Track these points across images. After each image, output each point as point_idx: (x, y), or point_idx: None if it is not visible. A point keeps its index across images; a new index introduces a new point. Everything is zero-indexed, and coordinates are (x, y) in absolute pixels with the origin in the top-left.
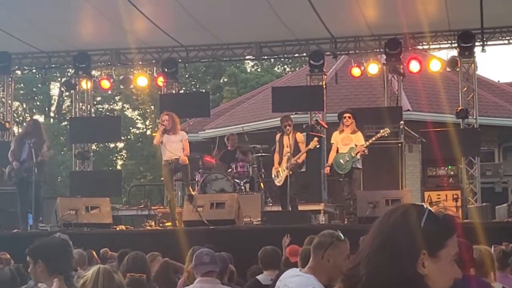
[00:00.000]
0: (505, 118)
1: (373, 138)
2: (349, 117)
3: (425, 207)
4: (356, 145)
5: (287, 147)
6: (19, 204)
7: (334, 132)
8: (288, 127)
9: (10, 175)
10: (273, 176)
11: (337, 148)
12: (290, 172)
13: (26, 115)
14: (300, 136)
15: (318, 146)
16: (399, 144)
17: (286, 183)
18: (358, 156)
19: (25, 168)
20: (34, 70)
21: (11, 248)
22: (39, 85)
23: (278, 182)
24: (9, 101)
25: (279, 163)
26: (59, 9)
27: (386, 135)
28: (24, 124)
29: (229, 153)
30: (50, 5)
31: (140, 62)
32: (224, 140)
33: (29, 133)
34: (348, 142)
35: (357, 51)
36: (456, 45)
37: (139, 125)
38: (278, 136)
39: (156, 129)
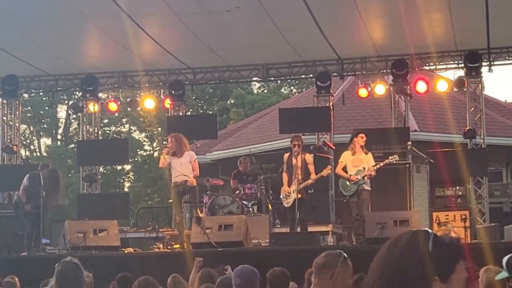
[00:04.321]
0: None
1: (381, 164)
2: (366, 137)
3: (430, 232)
4: (364, 168)
5: (297, 169)
6: (28, 227)
7: (346, 152)
8: (296, 148)
9: (17, 205)
10: (281, 197)
11: (345, 167)
12: (299, 196)
13: (34, 138)
14: (309, 157)
15: (330, 173)
16: (407, 165)
17: (295, 205)
18: (365, 179)
19: (35, 205)
20: (41, 93)
21: (19, 272)
22: (46, 108)
23: (287, 203)
24: (17, 124)
25: (289, 184)
26: (66, 32)
27: (394, 162)
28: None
29: (240, 174)
30: (58, 28)
31: (147, 85)
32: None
33: (45, 180)
34: (358, 164)
35: (363, 72)
36: (463, 65)
37: (146, 147)
38: (286, 156)
39: (161, 152)
